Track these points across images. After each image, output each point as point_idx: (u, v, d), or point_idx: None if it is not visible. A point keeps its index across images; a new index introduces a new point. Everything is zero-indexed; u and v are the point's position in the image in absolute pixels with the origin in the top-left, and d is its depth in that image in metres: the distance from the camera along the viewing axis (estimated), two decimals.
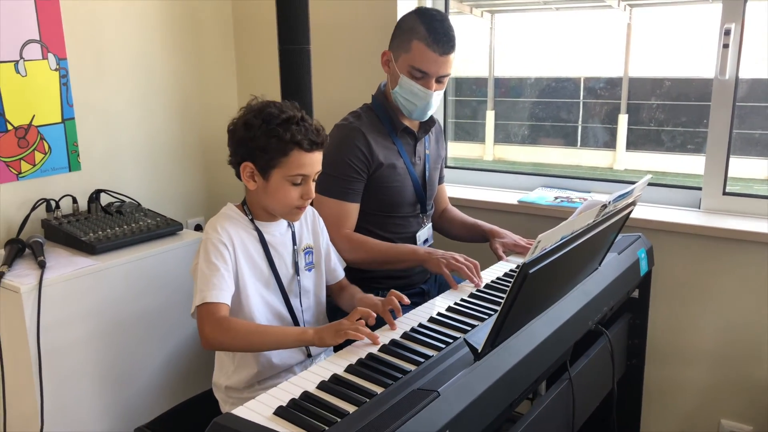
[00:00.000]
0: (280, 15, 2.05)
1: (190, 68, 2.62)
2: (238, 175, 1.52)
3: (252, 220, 1.55)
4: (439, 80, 1.84)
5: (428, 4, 2.53)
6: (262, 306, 1.54)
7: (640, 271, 1.85)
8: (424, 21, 1.81)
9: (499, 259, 1.94)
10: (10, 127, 2.07)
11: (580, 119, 4.09)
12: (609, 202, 1.37)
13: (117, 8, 2.33)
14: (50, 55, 2.14)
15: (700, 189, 2.19)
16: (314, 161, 1.49)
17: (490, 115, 3.67)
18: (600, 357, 1.73)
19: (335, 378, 1.19)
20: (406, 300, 1.48)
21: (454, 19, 2.77)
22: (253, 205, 1.56)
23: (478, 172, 2.63)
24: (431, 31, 1.79)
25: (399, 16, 2.37)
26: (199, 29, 2.64)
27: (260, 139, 1.44)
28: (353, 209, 1.88)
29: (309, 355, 1.60)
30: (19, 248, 1.92)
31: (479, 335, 1.29)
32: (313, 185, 1.52)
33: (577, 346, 1.61)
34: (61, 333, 1.83)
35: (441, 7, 2.54)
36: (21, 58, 2.07)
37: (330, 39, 2.55)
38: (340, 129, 1.89)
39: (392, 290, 1.50)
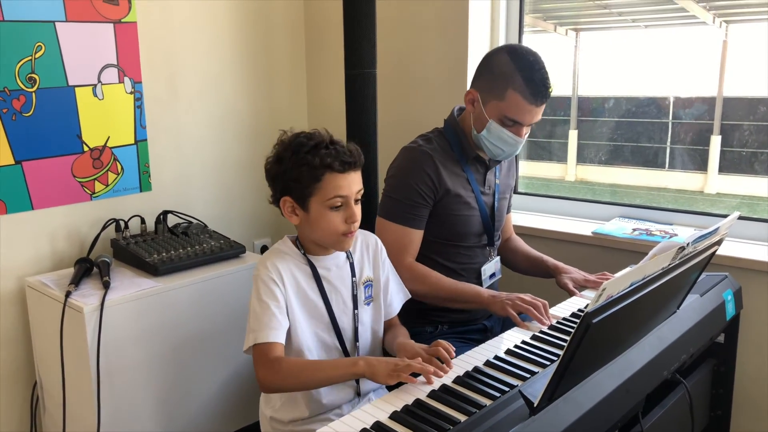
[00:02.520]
0: (348, 40, 2.04)
1: (261, 91, 2.65)
2: (282, 213, 1.49)
3: (304, 254, 1.51)
4: (529, 125, 1.76)
5: (502, 29, 2.44)
6: (314, 344, 1.50)
7: (725, 315, 1.68)
8: (521, 69, 1.69)
9: (572, 294, 1.82)
10: (86, 149, 2.13)
11: (669, 140, 3.88)
12: (688, 244, 1.24)
13: (191, 33, 2.38)
14: (126, 79, 2.20)
15: None
16: (351, 182, 1.43)
17: (573, 135, 3.53)
18: (677, 408, 1.58)
19: (378, 425, 1.13)
20: (453, 353, 1.39)
21: (536, 39, 2.70)
22: (304, 240, 1.52)
23: (551, 199, 2.50)
24: (530, 82, 1.68)
25: (470, 46, 2.33)
26: (271, 52, 2.67)
27: (292, 170, 1.41)
28: (417, 236, 1.80)
29: (358, 394, 1.54)
30: (87, 267, 1.97)
31: (536, 386, 1.19)
32: (356, 208, 1.45)
33: (651, 395, 1.47)
34: (121, 353, 1.85)
35: (515, 28, 2.46)
36: (99, 81, 2.14)
37: (399, 64, 2.51)
38: (408, 152, 1.82)
39: (439, 341, 1.41)
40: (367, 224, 1.74)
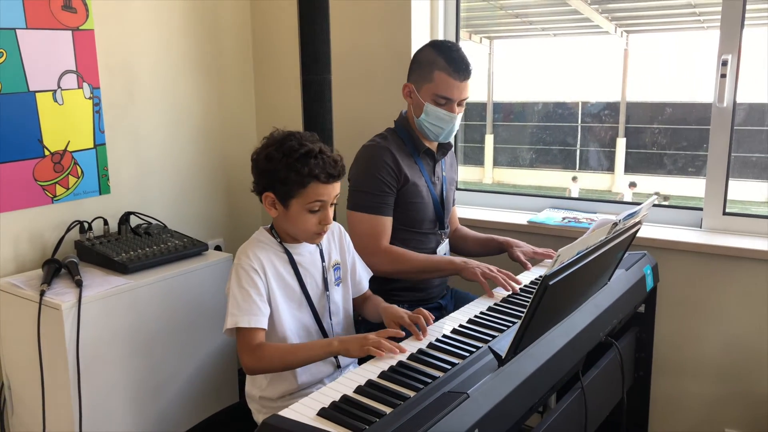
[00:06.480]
0: (303, 47, 2.17)
1: (211, 93, 2.74)
2: (262, 203, 1.63)
3: (281, 243, 1.66)
4: (459, 104, 1.99)
5: (441, 34, 2.66)
6: (294, 325, 1.64)
7: (646, 287, 1.95)
8: (441, 53, 1.96)
9: (524, 266, 2.05)
10: (47, 153, 2.18)
11: (579, 143, 4.20)
12: (619, 221, 1.48)
13: (145, 39, 2.46)
14: (85, 85, 2.26)
15: (701, 209, 2.30)
16: (331, 191, 1.60)
17: (489, 139, 3.77)
18: (610, 367, 1.82)
19: (370, 383, 1.29)
20: (431, 321, 1.58)
21: None
22: (279, 229, 1.67)
23: (486, 194, 2.74)
24: (450, 60, 1.94)
25: (413, 47, 2.53)
26: (219, 54, 2.77)
27: (280, 172, 1.55)
28: (388, 222, 2.00)
29: (338, 366, 1.69)
30: (56, 268, 2.02)
31: (501, 344, 1.40)
32: (331, 211, 1.62)
33: (588, 357, 1.71)
34: (97, 348, 1.92)
35: (452, 37, 2.68)
36: (58, 87, 2.19)
37: (349, 68, 2.67)
38: (368, 149, 2.02)
39: (421, 308, 1.60)
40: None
